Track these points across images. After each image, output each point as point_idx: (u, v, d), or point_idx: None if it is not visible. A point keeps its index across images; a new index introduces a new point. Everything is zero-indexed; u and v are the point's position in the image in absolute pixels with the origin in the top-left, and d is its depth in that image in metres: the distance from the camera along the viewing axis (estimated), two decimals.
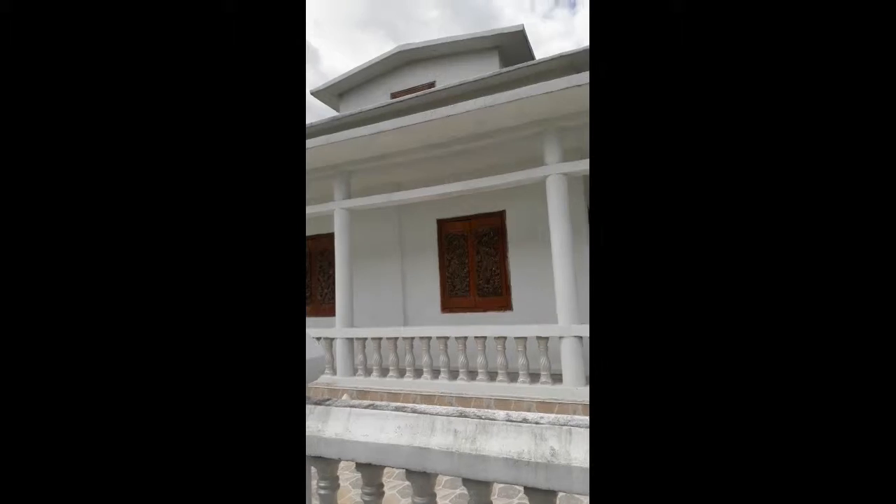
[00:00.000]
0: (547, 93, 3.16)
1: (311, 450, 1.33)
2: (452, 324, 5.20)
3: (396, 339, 4.26)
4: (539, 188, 4.55)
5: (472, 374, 3.93)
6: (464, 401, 3.71)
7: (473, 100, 3.42)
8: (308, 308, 6.37)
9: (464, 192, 4.21)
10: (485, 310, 5.19)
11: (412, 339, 4.18)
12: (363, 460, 1.25)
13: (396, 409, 1.30)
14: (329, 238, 6.27)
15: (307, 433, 1.35)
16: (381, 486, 1.33)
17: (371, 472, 1.29)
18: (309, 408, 1.46)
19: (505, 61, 7.43)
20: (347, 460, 1.30)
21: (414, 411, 1.28)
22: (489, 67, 7.15)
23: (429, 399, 3.89)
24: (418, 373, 4.19)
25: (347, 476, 2.39)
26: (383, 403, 1.36)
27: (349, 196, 4.74)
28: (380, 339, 4.36)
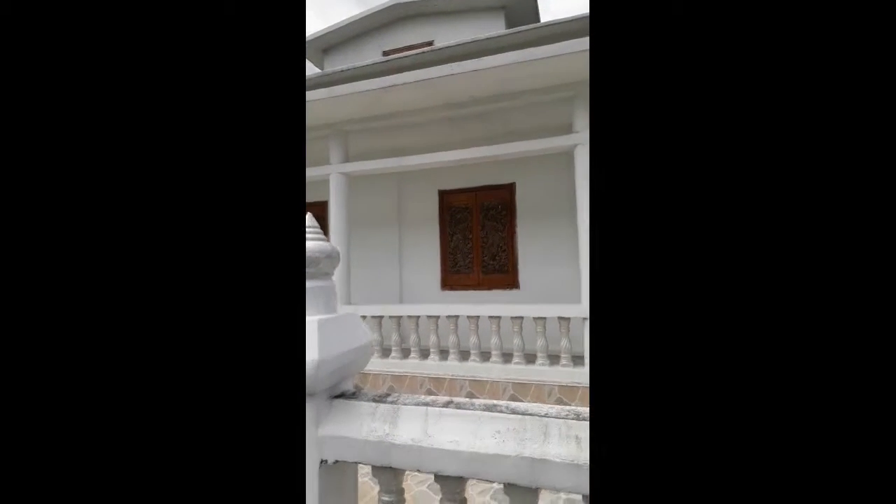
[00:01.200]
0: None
1: (378, 458, 1.07)
2: (453, 301, 4.98)
3: (400, 317, 4.00)
4: (555, 159, 4.30)
5: (484, 356, 3.74)
6: (478, 384, 3.53)
7: (504, 53, 3.08)
8: None
9: (480, 160, 3.91)
10: (489, 288, 4.98)
11: (417, 317, 3.93)
12: (452, 472, 1.01)
13: (487, 408, 1.05)
14: (319, 207, 5.86)
15: (372, 437, 1.09)
16: (465, 500, 1.09)
17: (454, 484, 1.05)
18: (369, 406, 1.19)
19: (510, 23, 7.00)
20: (428, 472, 1.05)
21: (514, 412, 1.03)
22: (493, 29, 6.72)
23: (438, 382, 3.69)
24: (424, 354, 3.97)
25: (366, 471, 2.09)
26: (465, 401, 1.11)
27: (347, 159, 4.34)
28: (381, 317, 4.08)
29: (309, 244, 1.31)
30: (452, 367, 3.70)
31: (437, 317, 3.86)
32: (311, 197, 5.83)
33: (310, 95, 3.77)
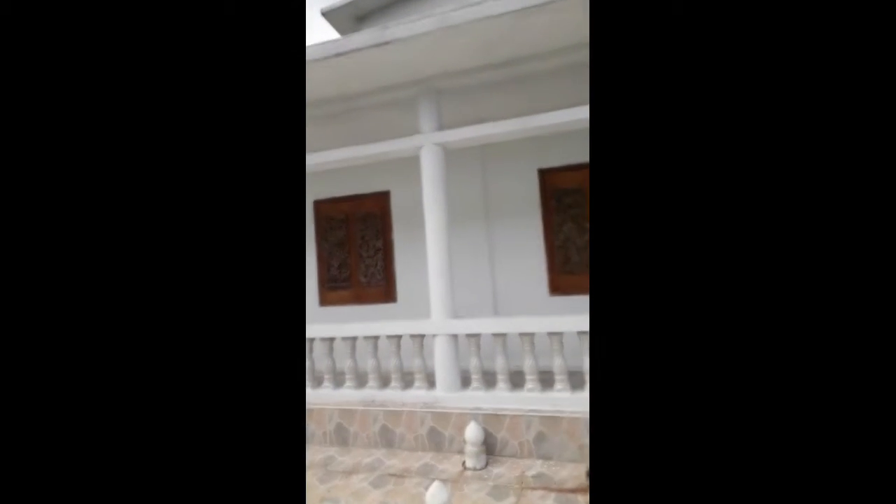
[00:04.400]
0: None
1: None
2: (566, 310, 4.04)
3: (533, 334, 3.06)
4: None
5: None
6: None
7: None
8: (346, 294, 5.04)
9: None
10: None
11: (532, 335, 2.98)
12: None
13: None
14: (375, 198, 4.94)
15: None
16: None
17: None
18: None
19: None
20: None
21: None
22: None
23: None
24: (547, 382, 3.02)
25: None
26: None
27: (442, 127, 3.42)
28: (504, 335, 3.14)
29: None
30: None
31: (561, 333, 2.94)
32: (360, 187, 4.92)
33: (397, 33, 2.86)
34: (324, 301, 5.15)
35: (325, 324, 3.68)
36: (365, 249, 5.00)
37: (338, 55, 2.98)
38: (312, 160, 3.65)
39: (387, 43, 2.90)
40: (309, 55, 3.06)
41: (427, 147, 3.37)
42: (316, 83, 3.35)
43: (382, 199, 4.89)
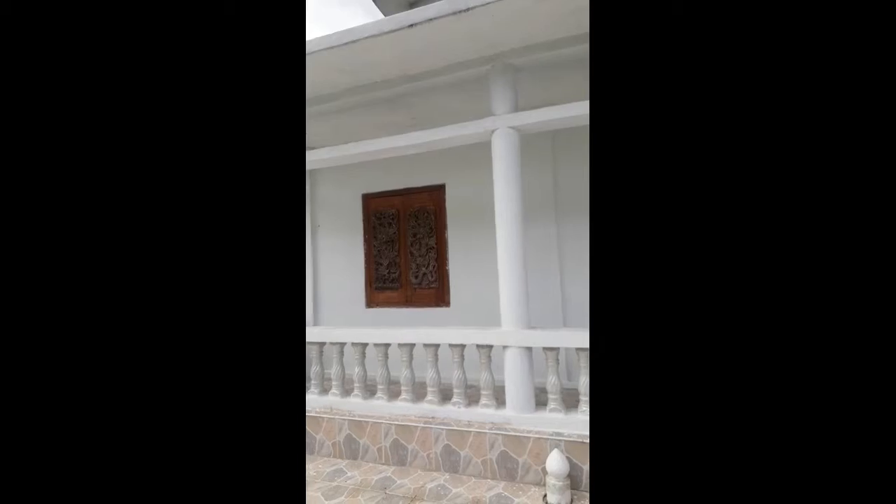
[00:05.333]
0: None
1: None
2: None
3: (556, 349, 2.63)
4: None
5: None
6: None
7: None
8: (394, 295, 4.76)
9: None
10: None
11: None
12: None
13: None
14: (429, 192, 4.63)
15: None
16: None
17: None
18: None
19: None
20: None
21: None
22: None
23: None
24: None
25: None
26: None
27: (517, 108, 3.06)
28: (556, 349, 2.74)
29: None
30: None
31: None
32: (418, 180, 4.61)
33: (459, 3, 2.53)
34: (371, 302, 4.90)
35: (374, 328, 3.40)
36: (416, 248, 4.70)
37: (411, 27, 2.68)
38: (367, 148, 3.38)
39: (467, 10, 2.57)
40: (374, 30, 2.79)
41: (500, 131, 3.02)
42: (378, 62, 3.08)
43: (437, 193, 4.58)
